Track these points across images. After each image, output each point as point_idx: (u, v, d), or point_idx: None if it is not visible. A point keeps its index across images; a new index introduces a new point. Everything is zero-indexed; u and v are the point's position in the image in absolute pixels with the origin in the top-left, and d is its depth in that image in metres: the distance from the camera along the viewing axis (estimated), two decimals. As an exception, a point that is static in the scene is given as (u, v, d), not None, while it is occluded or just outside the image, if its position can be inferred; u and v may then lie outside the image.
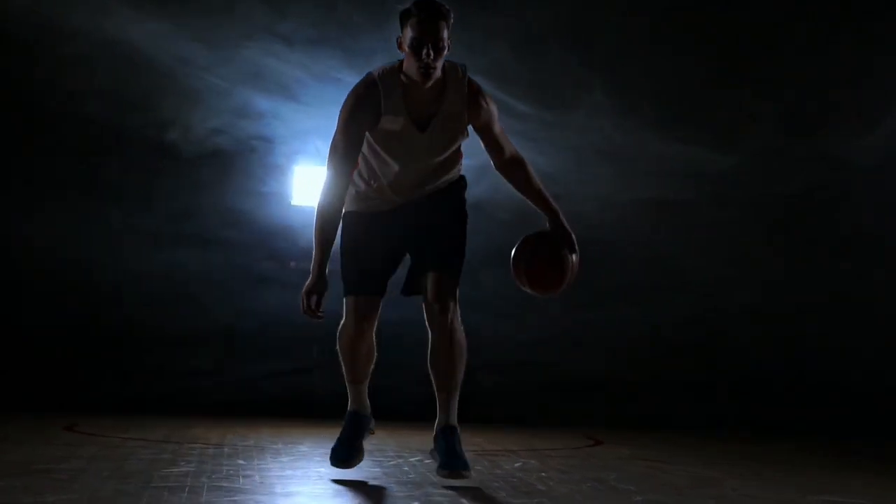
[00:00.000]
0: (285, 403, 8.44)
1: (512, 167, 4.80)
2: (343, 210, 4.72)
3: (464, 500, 4.30)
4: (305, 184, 8.77)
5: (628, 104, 8.41)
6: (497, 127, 4.76)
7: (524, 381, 8.81)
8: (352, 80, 7.95)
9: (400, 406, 7.64)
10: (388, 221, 4.79)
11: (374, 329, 4.82)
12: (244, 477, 4.80)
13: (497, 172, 4.86)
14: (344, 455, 4.84)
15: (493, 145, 4.76)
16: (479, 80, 4.75)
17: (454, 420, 4.79)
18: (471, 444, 6.29)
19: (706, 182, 8.65)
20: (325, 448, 5.10)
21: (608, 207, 8.61)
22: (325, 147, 8.25)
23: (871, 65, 8.56)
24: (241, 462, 5.36)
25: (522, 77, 7.68)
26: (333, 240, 4.67)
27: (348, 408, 4.98)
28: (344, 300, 4.76)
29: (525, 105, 7.44)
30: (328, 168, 4.66)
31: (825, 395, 8.72)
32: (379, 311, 4.79)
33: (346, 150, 4.62)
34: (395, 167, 4.69)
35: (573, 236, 4.69)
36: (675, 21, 8.52)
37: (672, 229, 8.84)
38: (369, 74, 4.67)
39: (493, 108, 4.72)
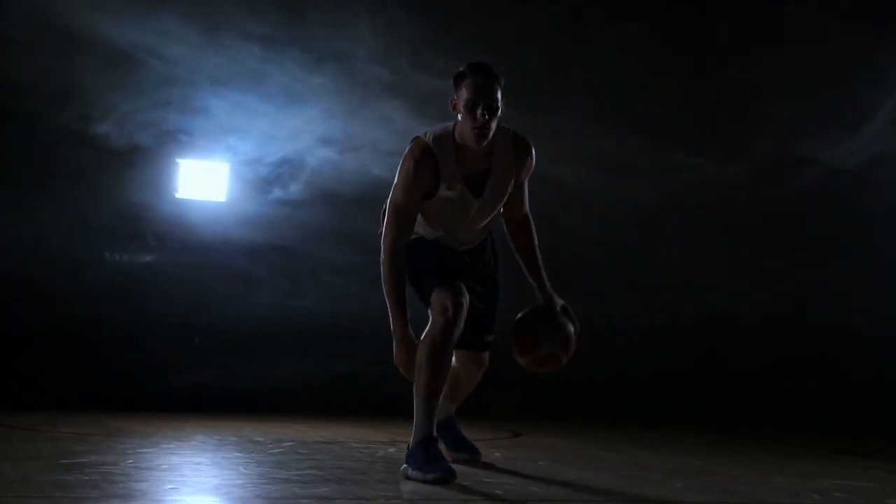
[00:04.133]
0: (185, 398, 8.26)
1: (519, 227, 5.02)
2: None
3: (534, 489, 4.50)
4: (189, 177, 8.67)
5: (614, 111, 8.62)
6: (526, 183, 4.99)
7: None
8: (310, 78, 8.06)
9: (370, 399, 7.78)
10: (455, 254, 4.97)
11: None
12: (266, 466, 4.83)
13: None
14: (446, 466, 4.59)
15: (515, 198, 4.96)
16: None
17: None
18: (386, 435, 6.52)
19: (694, 187, 8.91)
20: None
21: (594, 213, 8.80)
22: (241, 143, 8.33)
23: (854, 69, 8.99)
24: (238, 454, 5.37)
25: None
26: (405, 288, 4.76)
27: (419, 435, 4.62)
28: (431, 298, 4.72)
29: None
30: (392, 225, 4.77)
31: (820, 393, 8.97)
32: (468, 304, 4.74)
33: (407, 209, 4.76)
34: (454, 227, 4.89)
35: (568, 309, 4.92)
36: (662, 27, 8.81)
37: (660, 234, 9.07)
38: (420, 139, 4.78)
39: (532, 165, 4.93)
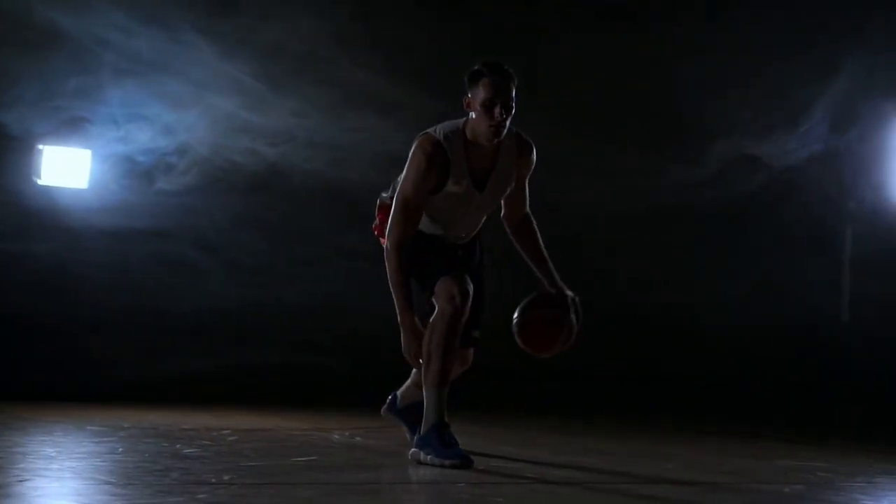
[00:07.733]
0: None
1: (522, 226, 5.11)
2: None
3: (558, 472, 4.67)
4: (51, 164, 8.36)
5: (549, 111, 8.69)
6: (526, 184, 5.10)
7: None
8: (232, 67, 7.88)
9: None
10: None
11: None
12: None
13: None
14: (463, 452, 4.71)
15: (515, 197, 5.07)
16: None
17: None
18: (305, 423, 6.56)
19: (630, 187, 9.02)
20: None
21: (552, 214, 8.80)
22: (139, 132, 8.08)
23: (793, 68, 9.14)
24: (206, 443, 5.33)
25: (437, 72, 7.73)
26: (410, 280, 4.84)
27: (431, 421, 4.73)
28: (435, 289, 4.78)
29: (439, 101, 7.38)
30: (400, 218, 4.83)
31: (759, 385, 9.24)
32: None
33: (416, 203, 4.83)
34: (454, 220, 4.97)
35: (576, 300, 5.00)
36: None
37: (611, 233, 9.20)
38: (431, 135, 4.85)
39: (533, 165, 5.06)
